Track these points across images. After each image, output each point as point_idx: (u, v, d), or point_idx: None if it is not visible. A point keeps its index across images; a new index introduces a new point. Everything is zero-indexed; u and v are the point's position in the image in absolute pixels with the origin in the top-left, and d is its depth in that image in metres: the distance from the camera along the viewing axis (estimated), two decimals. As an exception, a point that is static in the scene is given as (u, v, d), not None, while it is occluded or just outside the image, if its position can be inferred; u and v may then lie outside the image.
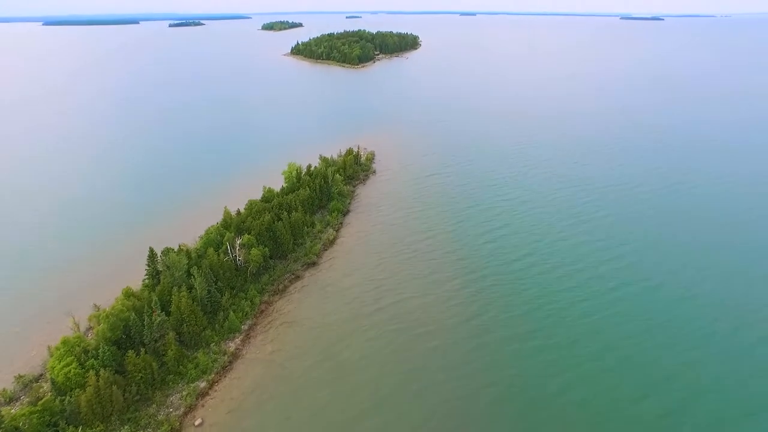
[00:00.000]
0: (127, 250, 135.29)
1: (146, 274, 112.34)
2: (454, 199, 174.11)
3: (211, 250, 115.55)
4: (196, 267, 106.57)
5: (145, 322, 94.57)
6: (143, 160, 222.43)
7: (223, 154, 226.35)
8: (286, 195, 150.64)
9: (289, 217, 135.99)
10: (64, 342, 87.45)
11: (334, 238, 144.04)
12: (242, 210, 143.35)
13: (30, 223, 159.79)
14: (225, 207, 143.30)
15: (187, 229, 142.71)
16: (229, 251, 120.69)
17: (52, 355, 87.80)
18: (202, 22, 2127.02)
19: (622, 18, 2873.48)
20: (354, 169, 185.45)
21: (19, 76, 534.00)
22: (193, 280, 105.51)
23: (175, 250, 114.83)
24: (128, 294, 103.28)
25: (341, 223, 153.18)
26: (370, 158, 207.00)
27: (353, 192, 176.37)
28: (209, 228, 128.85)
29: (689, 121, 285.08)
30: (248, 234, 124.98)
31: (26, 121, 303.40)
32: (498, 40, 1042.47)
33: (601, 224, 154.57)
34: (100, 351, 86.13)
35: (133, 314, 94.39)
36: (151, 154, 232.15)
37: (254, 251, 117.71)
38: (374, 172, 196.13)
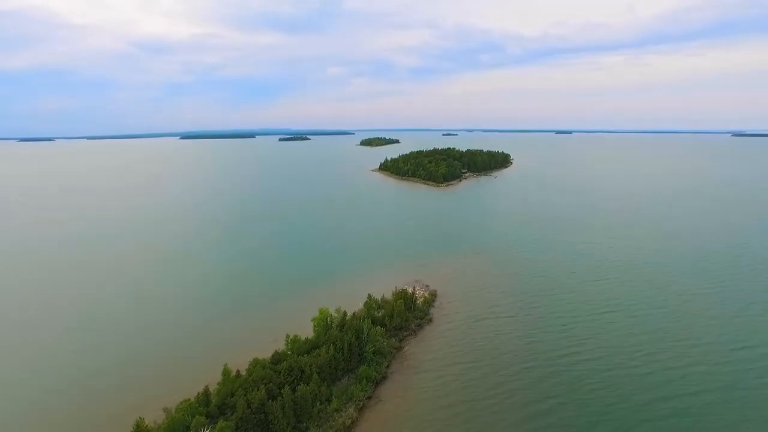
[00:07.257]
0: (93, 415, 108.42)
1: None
2: (510, 353, 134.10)
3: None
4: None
5: None
6: (164, 280, 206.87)
7: (263, 280, 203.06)
8: (302, 355, 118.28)
9: (294, 392, 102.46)
10: None
11: (352, 423, 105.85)
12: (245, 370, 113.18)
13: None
14: (225, 365, 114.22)
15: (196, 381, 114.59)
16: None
17: None
18: (308, 137, 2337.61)
19: (733, 135, 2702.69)
20: (404, 317, 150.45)
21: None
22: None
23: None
24: None
25: (369, 397, 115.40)
26: (429, 301, 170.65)
27: (399, 348, 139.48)
28: (180, 404, 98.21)
29: None
30: (226, 419, 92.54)
31: None
32: (592, 158, 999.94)
33: (695, 403, 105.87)
34: None
35: None
36: (179, 273, 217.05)
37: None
38: (431, 320, 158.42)
